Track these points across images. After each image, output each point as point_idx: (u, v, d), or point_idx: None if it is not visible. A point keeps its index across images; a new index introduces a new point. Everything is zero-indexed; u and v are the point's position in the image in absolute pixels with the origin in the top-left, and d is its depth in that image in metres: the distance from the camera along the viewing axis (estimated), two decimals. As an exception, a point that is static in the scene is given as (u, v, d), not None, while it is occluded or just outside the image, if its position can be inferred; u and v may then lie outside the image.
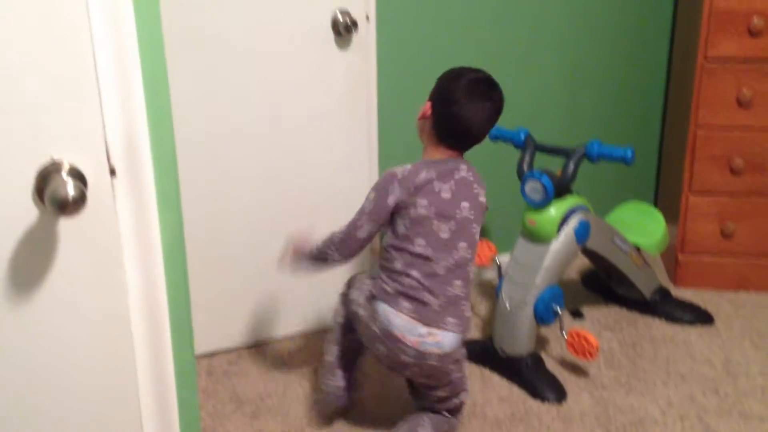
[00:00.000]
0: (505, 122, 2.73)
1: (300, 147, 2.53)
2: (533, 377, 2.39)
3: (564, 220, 2.44)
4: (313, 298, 2.70)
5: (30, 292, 1.08)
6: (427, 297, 1.94)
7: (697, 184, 2.93)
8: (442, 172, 2.00)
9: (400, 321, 1.94)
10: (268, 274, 2.59)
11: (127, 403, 1.24)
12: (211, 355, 2.57)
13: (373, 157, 2.68)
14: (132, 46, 1.06)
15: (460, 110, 1.99)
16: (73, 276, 1.11)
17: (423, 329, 1.93)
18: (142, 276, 1.18)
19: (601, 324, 2.77)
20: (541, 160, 2.51)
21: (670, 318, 2.79)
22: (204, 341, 2.54)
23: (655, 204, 3.42)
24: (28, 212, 1.03)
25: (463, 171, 2.04)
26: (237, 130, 2.43)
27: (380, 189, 2.01)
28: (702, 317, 2.79)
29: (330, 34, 2.44)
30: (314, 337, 2.68)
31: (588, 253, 2.67)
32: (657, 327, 2.75)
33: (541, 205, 2.41)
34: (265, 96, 2.43)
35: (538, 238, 2.45)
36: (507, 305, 2.46)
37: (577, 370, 2.47)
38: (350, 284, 2.15)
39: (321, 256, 2.08)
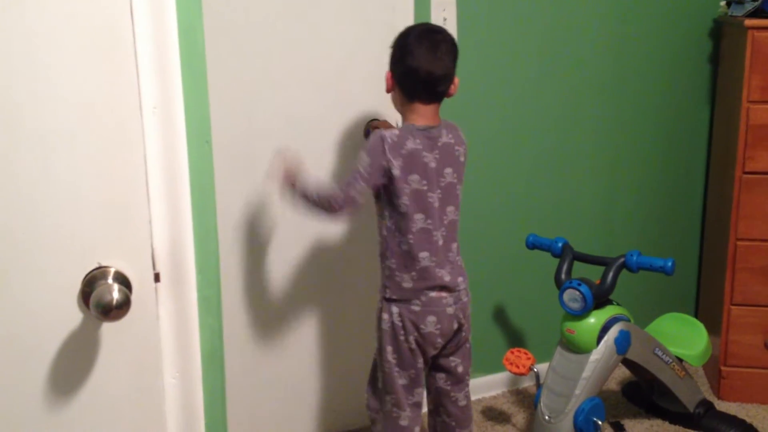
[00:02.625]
0: (542, 231, 2.76)
1: (339, 247, 2.57)
2: None
3: (604, 330, 2.41)
4: (350, 400, 2.67)
5: (69, 395, 1.10)
6: (439, 272, 2.07)
7: (738, 295, 2.89)
8: (427, 141, 2.05)
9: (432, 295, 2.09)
10: (305, 377, 2.59)
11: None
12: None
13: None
14: (183, 159, 1.11)
15: (415, 60, 2.00)
16: (112, 380, 1.12)
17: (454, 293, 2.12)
18: (180, 381, 1.19)
19: (643, 438, 2.69)
20: (579, 270, 2.51)
21: (715, 432, 2.71)
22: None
23: (696, 315, 3.37)
24: (73, 316, 1.06)
25: (445, 136, 2.09)
26: (277, 232, 2.47)
27: (373, 152, 2.01)
28: (747, 431, 2.71)
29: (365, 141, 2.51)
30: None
31: (629, 363, 2.62)
32: (701, 442, 2.67)
33: (580, 314, 2.39)
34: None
35: (577, 347, 2.42)
36: (546, 416, 2.41)
37: (618, 486, 2.40)
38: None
39: (314, 200, 2.05)
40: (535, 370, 2.63)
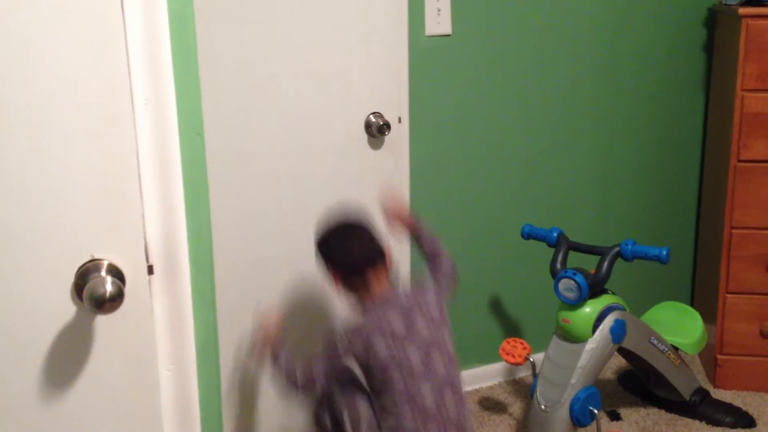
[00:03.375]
0: (538, 221, 2.76)
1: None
2: None
3: (599, 319, 2.42)
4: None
5: (64, 388, 1.10)
6: (430, 425, 1.97)
7: (733, 283, 2.90)
8: (392, 306, 2.05)
9: None
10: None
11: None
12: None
13: (405, 250, 2.70)
14: (175, 152, 1.11)
15: (342, 255, 2.10)
16: (106, 372, 1.13)
17: None
18: (175, 374, 1.19)
19: (639, 426, 2.70)
20: (575, 260, 2.51)
21: (711, 420, 2.72)
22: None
23: (692, 304, 3.38)
24: (67, 309, 1.06)
25: (403, 299, 2.09)
26: (271, 225, 2.47)
27: (338, 347, 2.04)
28: (743, 420, 2.72)
29: (364, 135, 2.50)
30: None
31: (624, 352, 2.64)
32: (697, 429, 2.68)
33: (576, 303, 2.40)
34: (302, 194, 2.48)
35: (572, 337, 2.43)
36: (542, 405, 2.42)
37: (614, 474, 2.41)
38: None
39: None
40: (531, 359, 2.64)
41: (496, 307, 3.03)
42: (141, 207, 1.08)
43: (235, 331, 2.43)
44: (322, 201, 2.50)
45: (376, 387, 2.02)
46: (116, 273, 1.08)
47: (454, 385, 2.04)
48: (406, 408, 1.97)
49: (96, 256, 1.08)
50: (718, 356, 2.97)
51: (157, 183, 1.09)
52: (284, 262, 2.50)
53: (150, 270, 1.12)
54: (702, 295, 3.26)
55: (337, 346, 2.01)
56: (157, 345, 1.16)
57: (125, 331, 1.12)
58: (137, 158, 1.07)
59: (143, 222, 1.09)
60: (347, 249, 2.09)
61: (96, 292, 1.01)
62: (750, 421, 2.72)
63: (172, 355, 1.18)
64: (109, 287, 1.02)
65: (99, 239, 1.07)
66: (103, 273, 1.07)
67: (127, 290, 1.07)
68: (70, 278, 1.06)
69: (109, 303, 1.01)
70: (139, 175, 1.08)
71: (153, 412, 1.19)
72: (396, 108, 2.54)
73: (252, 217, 2.43)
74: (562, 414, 2.38)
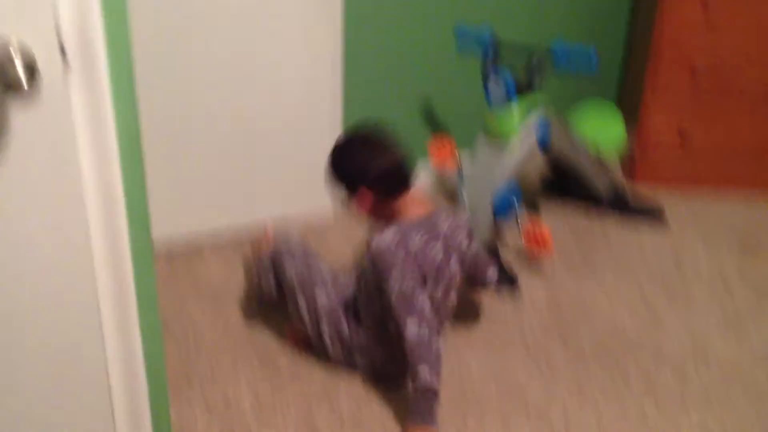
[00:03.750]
0: (469, 18, 2.74)
1: (260, 41, 2.53)
2: None
3: (525, 119, 2.47)
4: (276, 186, 2.74)
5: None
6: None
7: (657, 82, 2.97)
8: (430, 230, 1.89)
9: None
10: (230, 161, 2.63)
11: (84, 286, 1.28)
12: (172, 241, 2.61)
13: (337, 66, 2.68)
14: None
15: (383, 163, 1.90)
16: (26, 165, 1.12)
17: None
18: (97, 165, 1.20)
19: (558, 220, 2.84)
20: (507, 63, 2.52)
21: (625, 217, 2.88)
22: (166, 229, 2.57)
23: (618, 103, 3.46)
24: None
25: (445, 225, 1.93)
26: (196, 24, 2.41)
27: (395, 266, 1.83)
28: (655, 214, 2.88)
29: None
30: (277, 224, 2.71)
31: (547, 151, 2.72)
32: (612, 225, 2.83)
33: (503, 103, 2.44)
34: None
35: (499, 135, 2.49)
36: (467, 201, 2.52)
37: (532, 262, 2.56)
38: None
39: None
40: (459, 158, 2.71)
41: (425, 107, 3.06)
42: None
43: (160, 129, 2.42)
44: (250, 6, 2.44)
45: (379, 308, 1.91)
46: (28, 55, 1.05)
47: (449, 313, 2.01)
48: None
49: (6, 38, 1.05)
50: (637, 154, 3.09)
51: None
52: (207, 57, 2.46)
53: (62, 50, 1.10)
54: (627, 94, 3.34)
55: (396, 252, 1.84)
56: (77, 135, 1.16)
57: (43, 121, 1.11)
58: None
59: (53, 2, 1.06)
60: (386, 164, 1.89)
61: (7, 73, 1.00)
62: (661, 215, 2.88)
63: (93, 139, 1.18)
64: (19, 67, 1.00)
65: (8, 20, 1.04)
66: (13, 53, 1.04)
67: (40, 74, 1.05)
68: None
69: (22, 86, 1.00)
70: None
71: (76, 207, 1.20)
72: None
73: (175, 13, 2.36)
74: (486, 208, 2.48)
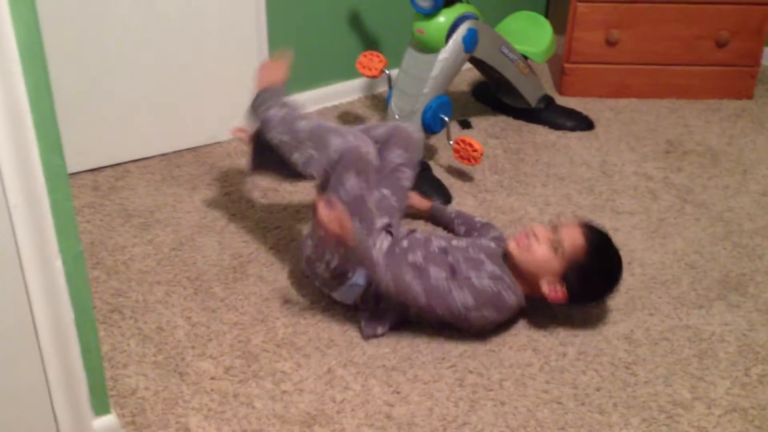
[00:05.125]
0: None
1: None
2: (421, 183, 2.46)
3: (453, 29, 2.43)
4: (201, 112, 2.66)
5: None
6: None
7: (584, -9, 2.96)
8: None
9: None
10: (153, 86, 2.54)
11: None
12: (97, 170, 2.53)
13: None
14: None
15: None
16: None
17: None
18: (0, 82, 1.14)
19: (488, 132, 2.84)
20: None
21: (553, 125, 2.89)
22: (89, 157, 2.50)
23: (546, 13, 3.44)
24: None
25: None
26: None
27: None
28: (583, 123, 2.90)
29: None
30: (203, 152, 2.66)
31: (476, 62, 2.70)
32: (540, 134, 2.84)
33: (431, 13, 2.39)
34: None
35: (426, 47, 2.45)
36: (396, 115, 2.49)
37: (462, 175, 2.56)
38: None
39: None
40: (387, 72, 2.66)
41: (353, 21, 2.99)
42: None
43: (70, 37, 2.30)
44: None
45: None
46: None
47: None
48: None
49: None
50: (565, 65, 3.09)
51: None
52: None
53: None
54: (555, 4, 3.32)
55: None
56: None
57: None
58: None
59: None
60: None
61: None
62: (589, 124, 2.90)
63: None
64: None
65: None
66: None
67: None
68: None
69: None
70: None
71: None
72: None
73: None
74: (415, 122, 2.45)
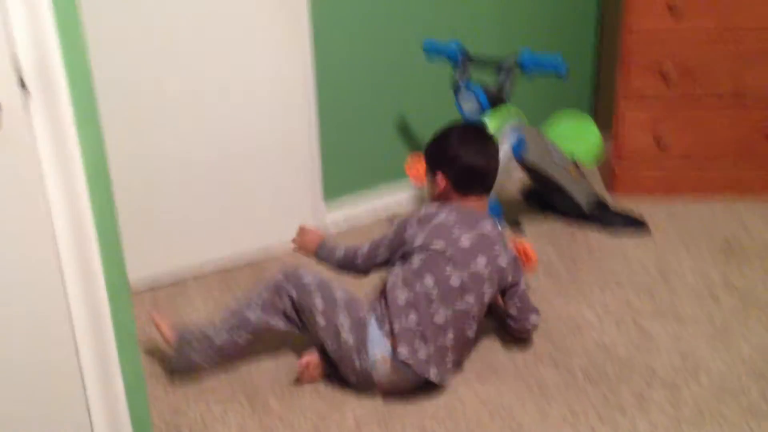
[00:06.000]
0: (437, 34, 2.71)
1: (231, 66, 2.48)
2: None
3: (500, 135, 2.44)
4: (259, 227, 2.68)
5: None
6: (416, 342, 1.90)
7: (630, 92, 2.96)
8: (465, 219, 2.02)
9: (384, 369, 1.92)
10: (211, 202, 2.57)
11: (59, 323, 1.22)
12: (156, 287, 2.54)
13: (309, 77, 2.63)
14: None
15: (469, 159, 2.06)
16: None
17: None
18: (65, 194, 1.15)
19: (540, 236, 2.81)
20: (478, 76, 2.50)
21: (607, 227, 2.84)
22: (148, 273, 2.51)
23: (592, 114, 3.45)
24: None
25: (488, 227, 2.04)
26: (164, 48, 2.36)
27: (400, 224, 2.08)
28: (637, 225, 2.85)
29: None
30: (261, 266, 2.67)
31: (525, 166, 2.69)
32: (594, 237, 2.80)
33: (476, 117, 2.41)
34: (193, 13, 2.36)
35: (474, 151, 2.45)
36: (446, 221, 2.47)
37: (516, 281, 2.52)
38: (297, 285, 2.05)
39: (343, 264, 2.17)
40: (436, 176, 2.66)
41: (402, 124, 3.03)
42: (4, 17, 1.00)
43: (126, 152, 2.35)
44: (214, 21, 2.40)
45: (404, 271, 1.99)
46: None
47: (464, 330, 1.98)
48: (420, 310, 1.92)
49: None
50: (616, 165, 3.07)
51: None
52: (175, 80, 2.40)
53: (22, 84, 1.04)
54: (601, 104, 3.33)
55: (413, 220, 2.04)
56: (42, 164, 1.11)
57: (6, 153, 1.06)
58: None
59: (11, 36, 1.01)
60: (474, 162, 2.06)
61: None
62: (644, 226, 2.85)
63: (59, 174, 1.13)
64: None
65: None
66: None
67: (2, 113, 1.01)
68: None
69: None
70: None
71: (46, 235, 1.15)
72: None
73: (137, 35, 2.30)
74: (467, 227, 2.43)
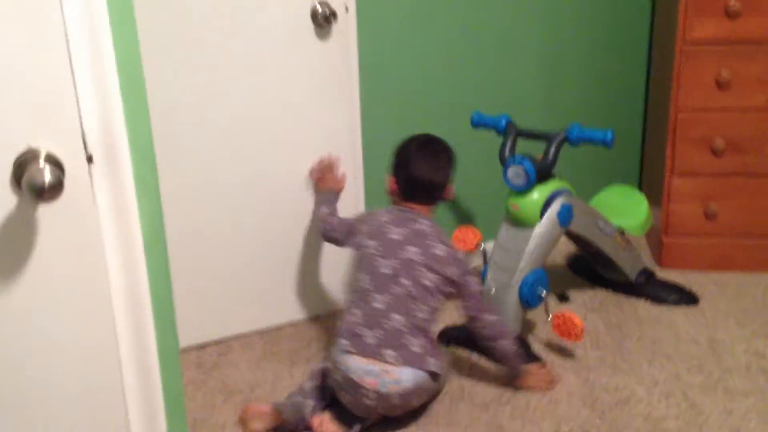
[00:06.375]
0: (486, 108, 2.76)
1: (280, 136, 2.55)
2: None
3: (547, 204, 2.46)
4: (302, 288, 2.71)
5: (10, 279, 1.10)
6: (361, 330, 2.07)
7: (679, 165, 2.95)
8: (399, 219, 2.22)
9: (354, 363, 2.03)
10: (255, 264, 2.62)
11: (112, 387, 1.25)
12: (201, 347, 2.58)
13: (357, 148, 2.69)
14: (105, 34, 1.08)
15: (413, 170, 2.24)
16: (53, 262, 1.12)
17: (376, 367, 2.02)
18: (123, 261, 1.19)
19: (587, 306, 2.79)
20: (524, 146, 2.53)
21: (656, 299, 2.82)
22: (193, 333, 2.55)
23: (640, 187, 3.45)
24: (7, 199, 1.05)
25: (423, 225, 2.22)
26: (216, 119, 2.44)
27: (361, 215, 2.38)
28: (687, 297, 2.82)
29: (310, 25, 2.46)
30: (303, 326, 2.70)
31: (572, 236, 2.69)
32: (642, 308, 2.77)
33: (524, 189, 2.43)
34: (245, 86, 2.44)
35: (521, 222, 2.47)
36: (492, 290, 2.48)
37: (562, 352, 2.50)
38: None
39: (321, 219, 2.47)
40: (482, 246, 2.69)
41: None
42: (75, 94, 1.06)
43: (182, 219, 2.42)
44: (267, 90, 2.48)
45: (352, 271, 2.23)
46: (54, 161, 1.06)
47: (412, 312, 2.09)
48: (361, 304, 2.10)
49: (33, 146, 1.06)
50: (664, 237, 3.05)
51: (90, 69, 1.07)
52: (225, 150, 2.48)
53: (90, 159, 1.10)
54: (649, 178, 3.32)
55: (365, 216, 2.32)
56: (103, 233, 1.15)
57: (69, 220, 1.11)
58: (67, 43, 1.04)
59: (78, 109, 1.07)
60: (437, 167, 2.27)
61: (35, 180, 0.99)
62: (693, 299, 2.82)
63: (119, 243, 1.17)
64: (47, 176, 1.00)
65: (34, 128, 1.05)
66: (41, 162, 1.05)
67: (67, 179, 1.06)
68: (8, 169, 1.04)
69: (49, 191, 1.00)
70: (71, 61, 1.05)
71: (103, 302, 1.19)
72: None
73: (195, 105, 2.39)
74: (512, 297, 2.44)
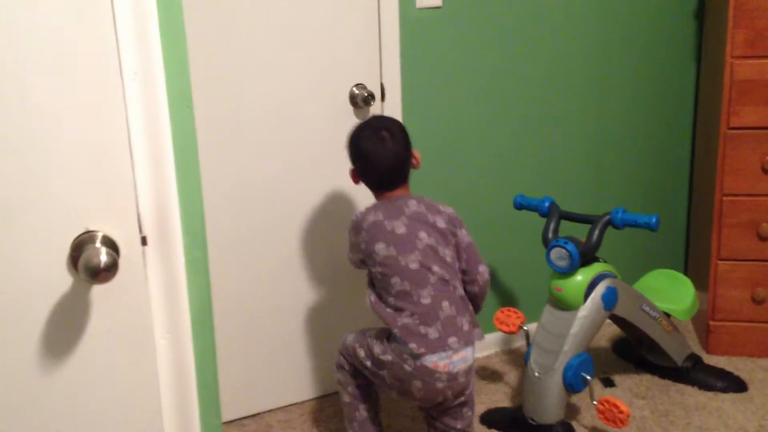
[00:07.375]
0: (530, 191, 2.78)
1: (322, 217, 2.60)
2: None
3: (591, 287, 2.44)
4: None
5: (63, 358, 1.12)
6: (423, 329, 2.03)
7: (725, 250, 2.92)
8: (390, 211, 2.13)
9: (428, 357, 2.03)
10: (294, 339, 2.63)
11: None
12: (241, 422, 2.58)
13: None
14: (164, 123, 1.13)
15: (371, 155, 2.16)
16: (104, 342, 1.15)
17: (445, 353, 2.04)
18: (171, 342, 1.21)
19: (632, 391, 2.74)
20: (567, 229, 2.54)
21: (703, 385, 2.76)
22: (233, 408, 2.56)
23: (685, 271, 3.41)
24: (63, 280, 1.08)
25: (414, 206, 2.15)
26: (264, 202, 2.50)
27: (350, 237, 2.20)
28: (735, 384, 2.75)
29: (349, 107, 2.54)
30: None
31: (617, 319, 2.67)
32: (689, 394, 2.71)
33: (567, 271, 2.42)
34: (290, 165, 2.51)
35: (565, 305, 2.45)
36: (536, 373, 2.45)
37: (608, 438, 2.45)
38: (347, 350, 2.25)
39: None
40: (525, 328, 2.67)
41: (491, 277, 3.05)
42: (133, 178, 1.10)
43: (230, 298, 2.46)
44: (310, 172, 2.54)
45: (378, 284, 2.12)
46: (110, 244, 1.10)
47: (451, 292, 2.10)
48: (407, 305, 2.05)
49: (90, 228, 1.09)
50: (711, 322, 3.00)
51: (148, 154, 1.11)
52: (274, 231, 2.53)
53: (144, 241, 1.14)
54: (695, 262, 3.29)
55: (352, 228, 2.17)
56: (152, 314, 1.18)
57: (121, 301, 1.14)
58: (128, 130, 1.08)
59: (135, 193, 1.11)
60: (390, 150, 2.16)
61: (91, 262, 1.03)
62: (741, 385, 2.75)
63: (167, 323, 1.20)
64: (103, 257, 1.03)
65: (93, 211, 1.09)
66: (98, 244, 1.08)
67: (121, 260, 1.09)
68: (65, 250, 1.08)
69: (104, 273, 1.03)
70: (131, 147, 1.09)
71: (150, 381, 1.21)
72: (379, 79, 2.57)
73: (242, 186, 2.47)
74: (556, 380, 2.41)
